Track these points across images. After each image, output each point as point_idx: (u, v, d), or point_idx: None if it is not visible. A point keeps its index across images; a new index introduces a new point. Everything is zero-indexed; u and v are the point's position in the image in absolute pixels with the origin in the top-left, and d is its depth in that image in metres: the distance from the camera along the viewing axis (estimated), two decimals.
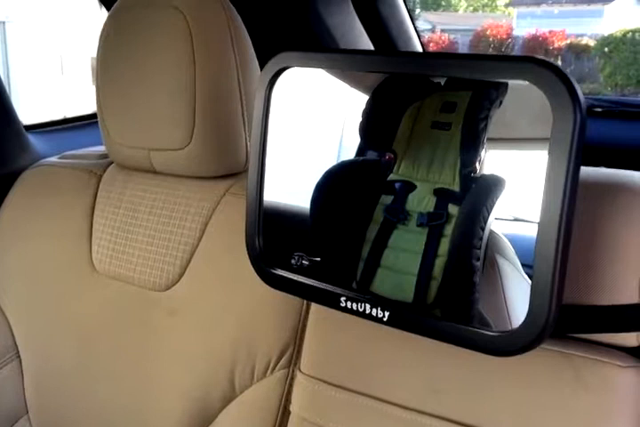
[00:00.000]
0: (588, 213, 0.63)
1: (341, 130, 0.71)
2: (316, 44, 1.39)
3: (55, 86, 6.67)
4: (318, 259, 0.73)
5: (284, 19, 1.39)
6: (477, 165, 0.62)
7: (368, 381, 0.79)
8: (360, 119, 0.69)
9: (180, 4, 0.89)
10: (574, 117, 0.52)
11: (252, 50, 0.95)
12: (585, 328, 0.65)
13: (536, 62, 0.54)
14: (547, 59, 0.54)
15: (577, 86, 0.52)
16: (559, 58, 8.02)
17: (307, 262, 0.73)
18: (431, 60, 0.62)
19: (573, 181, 0.53)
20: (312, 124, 0.74)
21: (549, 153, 0.54)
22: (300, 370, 0.85)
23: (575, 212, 0.54)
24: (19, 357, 1.08)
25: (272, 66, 0.70)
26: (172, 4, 0.89)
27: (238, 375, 0.89)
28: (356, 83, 0.70)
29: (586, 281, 0.64)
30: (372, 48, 1.47)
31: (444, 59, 0.60)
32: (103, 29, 0.97)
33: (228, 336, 0.90)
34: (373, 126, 0.69)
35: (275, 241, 0.75)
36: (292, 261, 0.73)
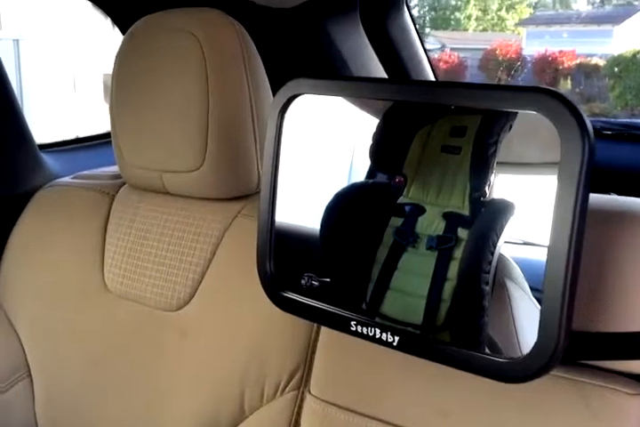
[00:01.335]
0: (597, 240, 0.64)
1: (352, 152, 0.72)
2: (327, 66, 1.40)
3: (67, 103, 6.72)
4: (328, 280, 0.73)
5: (296, 41, 1.40)
6: (487, 189, 0.62)
7: (377, 404, 0.79)
8: (370, 142, 0.70)
9: (194, 28, 0.90)
10: (583, 147, 0.52)
11: (264, 73, 0.96)
12: (594, 355, 0.65)
13: (544, 93, 0.54)
14: (555, 89, 0.55)
15: (585, 116, 0.53)
16: (569, 77, 8.04)
17: (316, 283, 0.73)
18: (441, 89, 0.63)
19: (582, 209, 0.54)
20: (323, 146, 0.75)
21: (558, 181, 0.54)
22: (309, 392, 0.85)
23: (584, 239, 0.54)
24: (30, 375, 1.08)
25: (283, 93, 0.71)
26: (186, 28, 0.91)
27: (248, 397, 0.89)
28: (366, 106, 0.71)
29: (595, 308, 0.64)
30: (382, 71, 1.48)
31: (453, 88, 0.61)
32: (118, 52, 0.98)
33: (238, 357, 0.90)
34: (384, 149, 0.69)
35: (285, 262, 0.76)
36: (302, 282, 0.74)
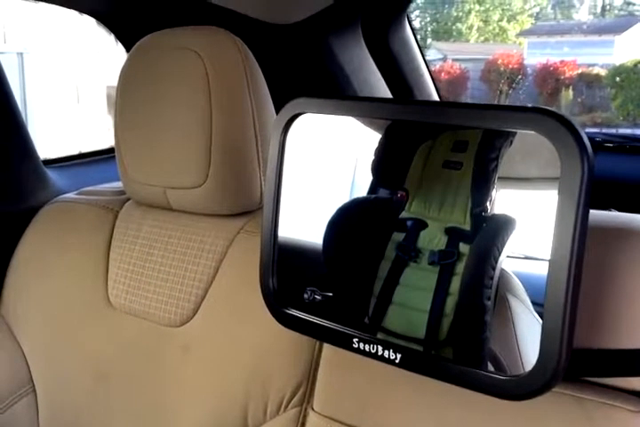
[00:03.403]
0: (598, 257, 0.64)
1: (354, 168, 0.72)
2: (330, 81, 1.41)
3: (71, 115, 6.75)
4: (330, 294, 0.73)
5: (298, 56, 1.41)
6: (488, 204, 0.62)
7: (381, 420, 0.79)
8: (372, 158, 0.70)
9: (198, 46, 0.91)
10: (582, 167, 0.53)
11: (267, 90, 0.97)
12: (596, 372, 0.65)
13: (543, 113, 0.55)
14: (554, 109, 0.55)
15: (584, 136, 0.53)
16: (570, 88, 8.05)
17: (319, 297, 0.73)
18: (441, 109, 0.63)
19: (583, 226, 0.54)
20: (325, 162, 0.75)
21: (559, 199, 0.54)
22: (312, 408, 0.85)
23: (585, 255, 0.55)
24: (34, 391, 1.09)
25: (286, 112, 0.72)
26: (189, 46, 0.92)
27: (251, 413, 0.89)
28: (368, 122, 0.71)
29: (597, 325, 0.64)
30: (384, 85, 1.49)
31: (453, 108, 0.62)
32: (122, 70, 0.99)
33: (241, 373, 0.90)
34: (385, 165, 0.70)
35: (288, 277, 0.76)
36: (305, 296, 0.74)
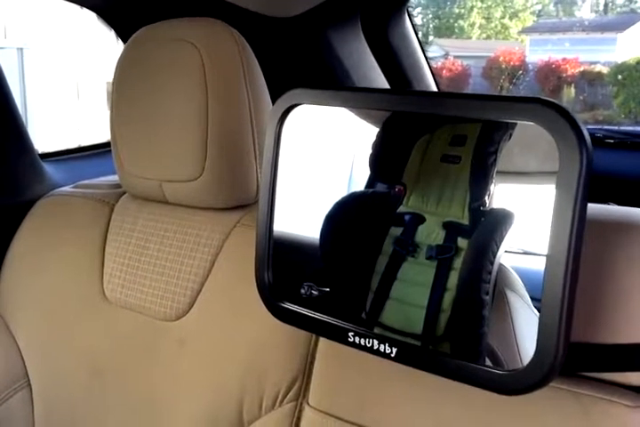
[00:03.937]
0: (596, 251, 0.63)
1: (351, 162, 0.72)
2: (329, 75, 1.40)
3: (71, 110, 6.75)
4: (327, 289, 0.73)
5: (297, 50, 1.40)
6: (487, 198, 0.62)
7: (376, 416, 0.78)
8: (370, 151, 0.69)
9: (194, 38, 0.91)
10: (580, 158, 0.52)
11: (264, 83, 0.96)
12: (594, 367, 0.65)
13: (541, 103, 0.54)
14: (553, 100, 0.54)
15: (583, 127, 0.53)
16: (572, 85, 8.06)
17: (316, 292, 0.73)
18: (439, 99, 0.63)
19: (580, 219, 0.53)
20: (323, 155, 0.75)
21: (557, 192, 0.54)
22: (308, 403, 0.85)
23: (583, 249, 0.54)
24: (29, 385, 1.08)
25: (282, 103, 0.71)
26: (186, 38, 0.91)
27: (246, 407, 0.89)
28: (366, 115, 0.70)
29: (594, 319, 0.64)
30: (383, 79, 1.48)
31: (451, 98, 0.61)
32: (119, 62, 0.99)
33: (237, 367, 0.90)
34: (383, 159, 0.69)
35: (284, 271, 0.75)
36: (302, 291, 0.73)
